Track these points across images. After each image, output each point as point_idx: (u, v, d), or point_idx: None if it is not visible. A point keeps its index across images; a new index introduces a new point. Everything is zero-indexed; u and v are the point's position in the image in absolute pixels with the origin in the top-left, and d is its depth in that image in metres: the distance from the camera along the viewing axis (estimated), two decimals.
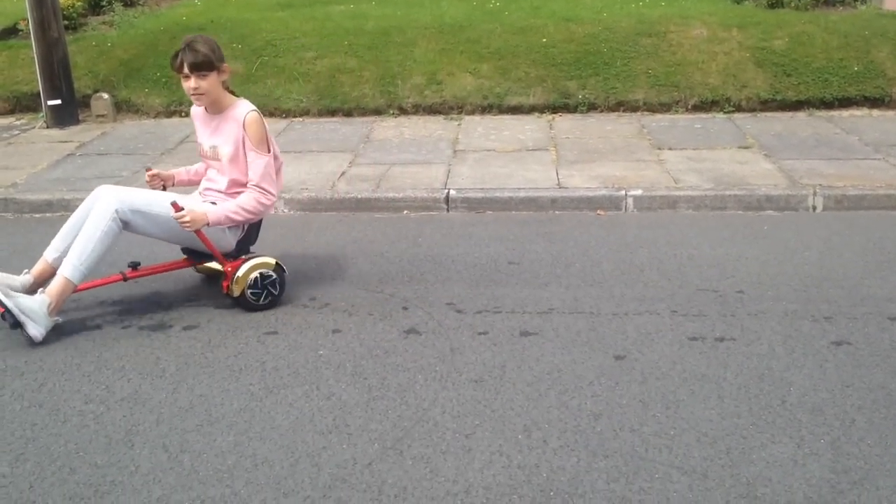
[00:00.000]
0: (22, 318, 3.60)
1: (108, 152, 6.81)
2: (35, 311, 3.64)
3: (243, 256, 4.07)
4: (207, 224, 3.83)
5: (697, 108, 7.50)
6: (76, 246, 3.74)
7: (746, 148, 6.44)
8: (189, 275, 4.54)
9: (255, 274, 3.98)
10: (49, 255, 3.91)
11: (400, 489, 2.67)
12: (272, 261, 4.05)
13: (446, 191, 5.61)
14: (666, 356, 3.51)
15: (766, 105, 7.46)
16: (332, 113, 7.71)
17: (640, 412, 3.09)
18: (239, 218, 3.92)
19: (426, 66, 7.95)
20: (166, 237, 3.98)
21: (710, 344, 3.61)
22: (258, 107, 7.72)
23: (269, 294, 4.03)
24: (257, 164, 3.89)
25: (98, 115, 7.73)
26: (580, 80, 7.67)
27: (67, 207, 5.74)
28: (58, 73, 7.44)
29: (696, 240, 4.89)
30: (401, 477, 2.73)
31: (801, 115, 7.33)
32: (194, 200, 4.02)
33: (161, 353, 3.66)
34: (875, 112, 7.37)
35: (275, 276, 4.04)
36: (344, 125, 7.43)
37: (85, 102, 7.80)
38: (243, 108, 3.94)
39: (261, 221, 4.15)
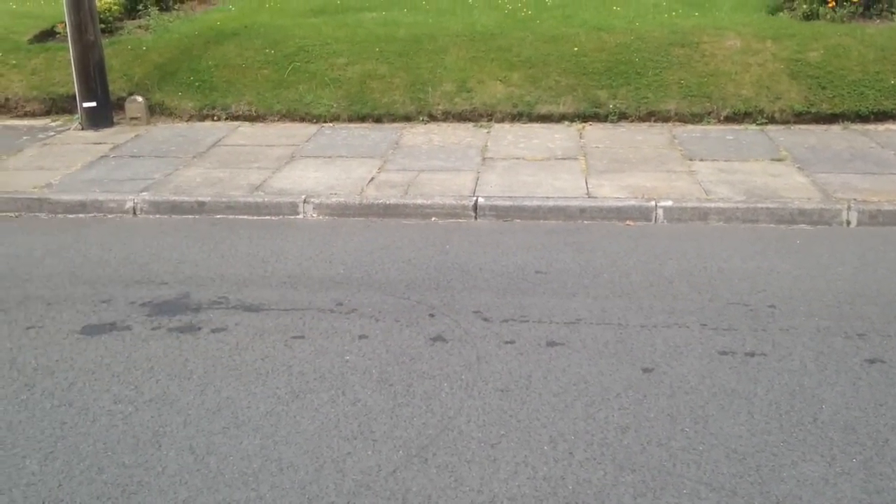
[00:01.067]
0: None
1: (141, 154, 6.89)
2: None
3: None
4: None
5: (730, 119, 7.43)
6: None
7: (779, 160, 6.36)
8: (220, 276, 4.58)
9: None
10: None
11: (424, 497, 2.66)
12: None
13: (475, 198, 5.60)
14: (695, 370, 3.47)
15: (800, 117, 7.36)
16: (362, 119, 7.74)
17: (668, 426, 3.05)
18: None
19: (457, 73, 7.95)
20: None
21: (740, 359, 3.57)
22: (289, 112, 7.74)
23: None
24: None
25: (132, 118, 7.83)
26: (611, 90, 7.63)
27: (101, 208, 5.81)
28: (93, 76, 7.55)
29: (726, 253, 4.84)
30: (425, 485, 2.72)
31: (835, 129, 7.22)
32: None
33: (189, 355, 3.68)
34: None
35: None
36: (373, 131, 7.45)
37: (119, 105, 7.90)
38: None
39: None
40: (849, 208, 5.36)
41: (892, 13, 8.97)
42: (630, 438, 2.97)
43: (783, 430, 3.02)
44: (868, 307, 4.07)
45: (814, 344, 3.69)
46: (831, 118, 7.33)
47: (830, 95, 7.39)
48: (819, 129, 7.22)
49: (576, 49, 8.04)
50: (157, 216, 5.76)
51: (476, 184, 5.93)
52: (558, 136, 7.15)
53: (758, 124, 7.34)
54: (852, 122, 7.30)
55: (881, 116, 7.31)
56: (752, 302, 4.14)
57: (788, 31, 8.21)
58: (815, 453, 2.87)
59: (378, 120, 7.72)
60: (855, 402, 3.20)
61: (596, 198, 5.59)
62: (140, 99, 7.86)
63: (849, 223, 5.35)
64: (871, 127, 7.22)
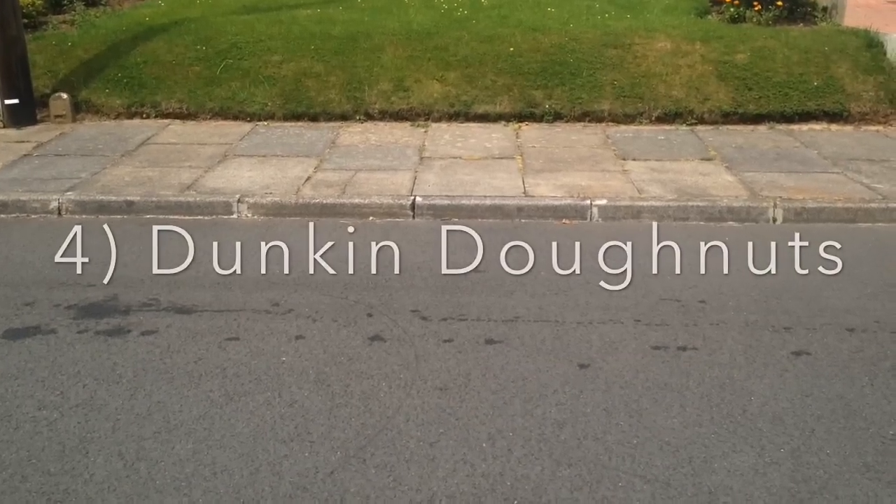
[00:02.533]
0: None
1: (67, 153, 6.67)
2: None
3: None
4: None
5: (661, 119, 7.58)
6: None
7: (709, 160, 6.52)
8: (148, 278, 4.46)
9: None
10: None
11: (363, 498, 2.63)
12: None
13: (412, 197, 5.59)
14: (629, 365, 3.52)
15: (728, 118, 7.56)
16: (297, 117, 7.64)
17: (604, 421, 3.09)
18: None
19: (393, 72, 7.92)
20: None
21: (672, 353, 3.64)
22: (221, 110, 7.66)
23: None
24: None
25: (56, 116, 7.57)
26: (546, 90, 7.71)
27: (23, 209, 5.60)
28: (16, 72, 7.27)
29: (658, 250, 4.93)
30: (363, 486, 2.70)
31: (761, 129, 7.44)
32: None
33: (118, 358, 3.58)
34: (833, 126, 7.51)
35: None
36: (309, 130, 7.37)
37: (43, 102, 7.63)
38: None
39: None
40: (774, 206, 5.52)
41: (815, 16, 9.30)
42: (567, 433, 3.00)
43: (714, 422, 3.09)
44: (793, 302, 4.19)
45: (742, 338, 3.78)
46: (758, 118, 7.55)
47: (757, 96, 7.60)
48: (746, 129, 7.42)
49: (511, 49, 8.10)
50: (84, 216, 5.58)
51: (414, 183, 5.91)
52: (495, 136, 7.18)
53: (688, 124, 7.51)
54: (778, 122, 7.53)
55: (805, 117, 7.55)
56: (683, 298, 4.23)
57: (716, 33, 8.43)
58: (745, 444, 2.94)
59: (314, 119, 7.63)
60: (782, 393, 3.30)
61: (533, 197, 5.64)
62: (65, 96, 7.60)
63: (775, 220, 5.51)
64: (795, 127, 7.46)
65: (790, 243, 5.07)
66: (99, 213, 5.59)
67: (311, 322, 3.94)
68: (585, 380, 3.39)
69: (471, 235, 5.15)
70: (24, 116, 7.40)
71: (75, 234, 5.03)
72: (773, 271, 4.61)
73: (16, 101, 7.32)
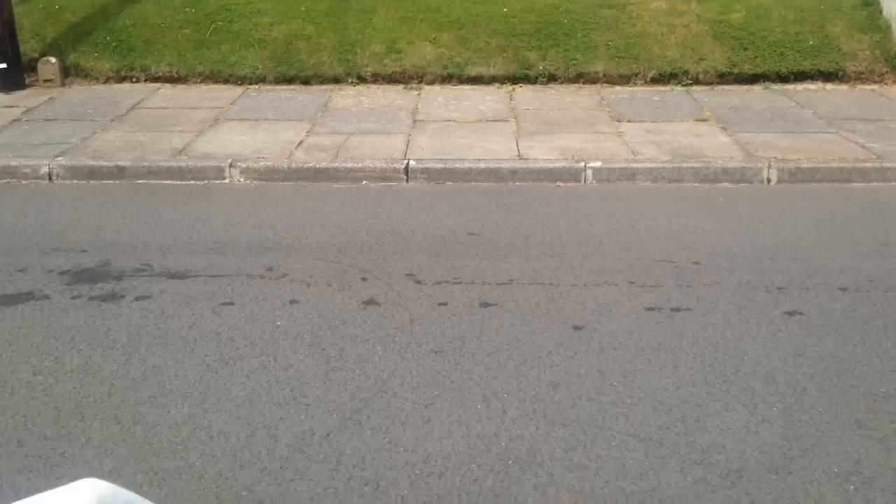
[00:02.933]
0: None
1: (57, 118, 6.60)
2: None
3: None
4: None
5: (656, 80, 7.52)
6: None
7: (703, 121, 6.49)
8: (141, 244, 4.44)
9: None
10: None
11: (358, 459, 2.65)
12: None
13: (406, 161, 5.56)
14: (623, 326, 3.53)
15: (723, 78, 7.50)
16: (288, 80, 7.56)
17: (598, 382, 3.11)
18: None
19: (385, 34, 7.83)
20: None
21: (666, 314, 3.65)
22: (212, 73, 7.57)
23: None
24: None
25: (45, 80, 7.48)
26: (540, 51, 7.64)
27: (14, 174, 5.56)
28: (3, 36, 7.16)
29: (653, 211, 4.92)
30: (359, 447, 2.72)
31: (756, 89, 7.39)
32: None
33: (112, 323, 3.57)
34: (829, 86, 7.46)
35: None
36: (301, 93, 7.30)
37: (31, 67, 7.53)
38: None
39: None
40: (769, 167, 5.51)
41: None
42: (561, 394, 3.02)
43: (707, 381, 3.11)
44: (787, 262, 4.20)
45: (736, 298, 3.80)
46: (753, 79, 7.50)
47: (752, 56, 7.54)
48: (741, 89, 7.38)
49: (505, 10, 8.00)
50: (75, 182, 5.54)
51: (407, 146, 5.88)
52: (489, 98, 7.13)
53: (683, 85, 7.46)
54: (773, 82, 7.48)
55: (800, 76, 7.50)
56: (677, 259, 4.23)
57: None
58: (737, 403, 2.96)
59: (306, 82, 7.56)
60: (775, 353, 3.31)
61: (527, 159, 5.61)
62: (54, 60, 7.50)
63: (769, 181, 5.50)
64: (790, 87, 7.41)
65: (784, 204, 5.07)
66: (90, 178, 5.55)
67: (305, 286, 3.93)
68: (580, 341, 3.41)
69: (465, 198, 5.13)
70: (12, 81, 7.32)
71: (67, 200, 5.01)
72: (768, 232, 4.61)
73: (3, 65, 7.22)
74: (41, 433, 2.80)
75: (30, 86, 7.46)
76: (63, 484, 2.45)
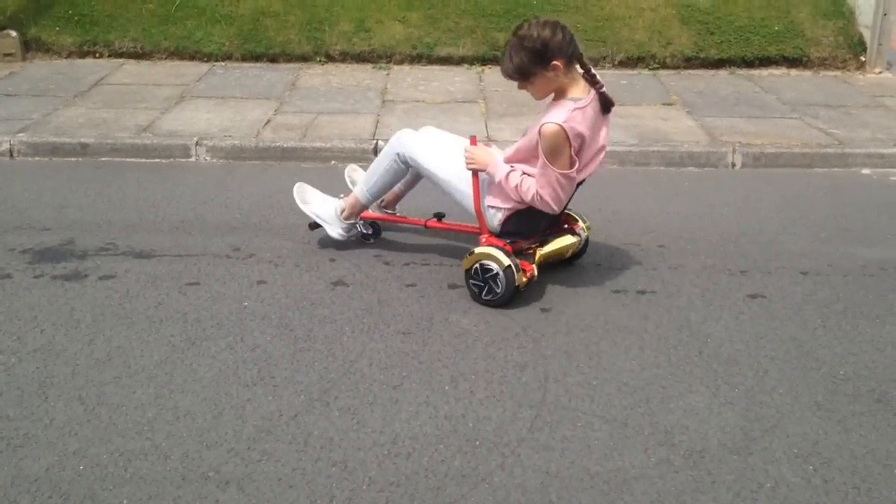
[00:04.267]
0: (318, 220, 4.04)
1: (17, 93, 6.46)
2: (329, 214, 4.01)
3: (504, 242, 3.60)
4: (485, 170, 3.55)
5: (624, 64, 7.56)
6: (366, 174, 3.99)
7: (670, 105, 6.54)
8: (107, 222, 4.38)
9: (478, 264, 3.55)
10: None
11: (326, 440, 2.66)
12: (505, 261, 3.49)
13: (375, 141, 5.53)
14: (590, 308, 3.57)
15: (690, 63, 7.56)
16: (256, 58, 7.47)
17: (564, 363, 3.14)
18: (509, 188, 3.47)
19: (354, 12, 7.76)
20: (440, 187, 3.85)
21: (632, 296, 3.69)
22: (177, 50, 7.43)
23: (490, 290, 3.54)
24: (544, 173, 3.38)
25: (5, 54, 7.30)
26: (510, 32, 7.61)
27: None
28: None
29: (619, 195, 4.96)
30: (327, 428, 2.72)
31: (722, 74, 7.47)
32: (496, 152, 3.67)
33: (76, 303, 3.53)
34: (793, 72, 7.56)
35: (498, 271, 3.49)
36: (268, 71, 7.21)
37: None
38: (550, 117, 3.35)
39: (532, 221, 3.63)
40: (734, 151, 5.58)
41: None
42: (528, 376, 3.05)
43: (671, 363, 3.16)
44: (750, 245, 4.27)
45: (700, 281, 3.85)
46: (719, 63, 7.57)
47: (718, 41, 7.61)
48: (707, 73, 7.45)
49: None
50: (37, 159, 5.44)
51: (376, 127, 5.85)
52: (458, 80, 7.11)
53: (650, 69, 7.51)
54: (738, 67, 7.57)
55: (765, 62, 7.60)
56: (642, 242, 4.28)
57: None
58: (700, 385, 3.02)
59: (273, 60, 7.47)
60: (738, 335, 3.38)
61: (496, 141, 5.61)
62: (14, 34, 7.32)
63: (734, 165, 5.58)
64: (755, 72, 7.50)
65: (748, 188, 5.15)
66: (52, 155, 5.45)
67: (273, 267, 3.91)
68: (547, 323, 3.44)
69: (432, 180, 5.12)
70: None
71: (29, 177, 4.91)
72: (731, 216, 4.68)
73: None
74: (3, 413, 2.76)
75: None
76: (27, 465, 2.46)
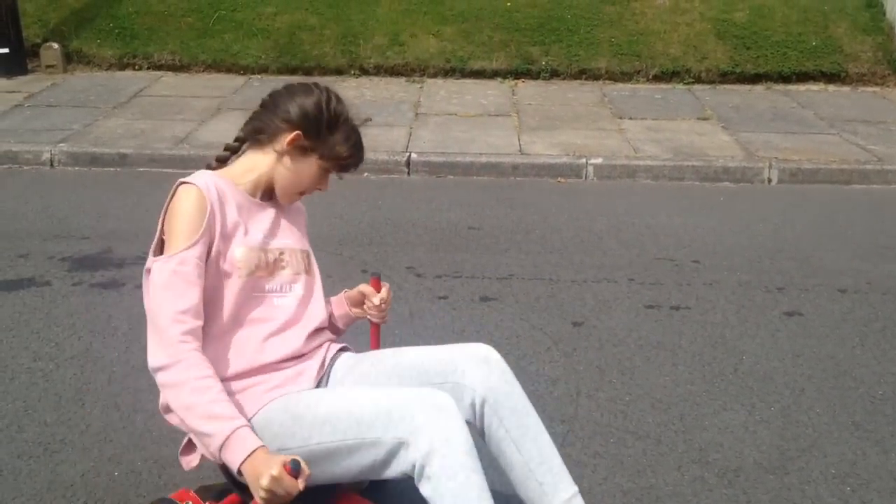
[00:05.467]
0: None
1: (58, 104, 6.59)
2: None
3: None
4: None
5: (658, 78, 7.53)
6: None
7: (705, 119, 6.49)
8: (144, 231, 4.44)
9: None
10: None
11: None
12: None
13: (408, 154, 5.56)
14: (623, 323, 3.54)
15: (726, 77, 7.51)
16: (291, 71, 7.55)
17: (597, 378, 3.12)
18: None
19: (389, 26, 7.82)
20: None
21: (665, 312, 3.66)
22: (215, 62, 7.49)
23: None
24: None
25: (48, 66, 7.47)
26: (543, 47, 7.63)
27: (16, 160, 5.56)
28: (5, 21, 7.15)
29: (654, 209, 4.93)
30: None
31: (758, 89, 7.40)
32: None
33: (113, 311, 3.58)
34: (831, 87, 7.47)
35: None
36: None
37: (34, 52, 7.52)
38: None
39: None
40: (770, 166, 5.52)
41: None
42: (560, 390, 3.03)
43: (705, 380, 3.12)
44: (787, 262, 4.21)
45: (735, 297, 3.81)
46: (755, 78, 7.51)
47: (755, 56, 7.55)
48: (743, 88, 7.38)
49: (508, 4, 8.00)
50: (77, 168, 5.54)
51: (409, 139, 5.88)
52: (491, 93, 7.13)
53: (685, 83, 7.46)
54: (775, 82, 7.49)
55: (802, 77, 7.52)
56: (677, 257, 4.24)
57: None
58: (735, 402, 2.97)
59: (308, 73, 7.55)
60: (774, 352, 3.33)
61: (528, 155, 5.62)
62: (56, 46, 7.49)
63: (770, 181, 5.51)
64: (792, 87, 7.43)
65: (784, 204, 5.08)
66: (92, 165, 5.55)
67: None
68: (579, 337, 3.41)
69: (466, 192, 5.14)
70: (14, 66, 7.31)
71: (69, 187, 5.00)
72: (767, 232, 4.62)
73: (6, 50, 7.22)
74: (41, 419, 2.80)
75: (32, 71, 7.45)
76: (63, 470, 2.47)
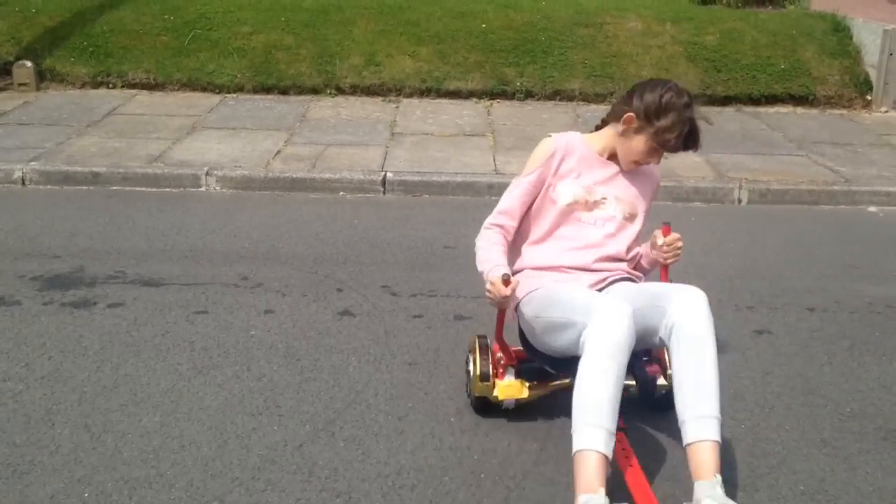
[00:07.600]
0: None
1: (31, 122, 6.54)
2: None
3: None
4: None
5: None
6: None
7: None
8: (116, 250, 4.41)
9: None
10: None
11: (331, 471, 2.66)
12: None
13: (383, 173, 5.58)
14: None
15: (696, 99, 7.59)
16: (267, 90, 7.56)
17: (570, 396, 3.12)
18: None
19: (365, 46, 7.87)
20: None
21: None
22: (190, 81, 7.51)
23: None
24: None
25: (20, 84, 7.41)
26: (518, 68, 7.71)
27: None
28: None
29: None
30: (332, 458, 2.72)
31: (729, 111, 7.52)
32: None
33: (84, 330, 3.55)
34: (799, 109, 7.62)
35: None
36: (279, 103, 7.30)
37: (6, 70, 7.47)
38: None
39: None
40: (740, 187, 5.61)
41: (784, 0, 9.39)
42: (534, 409, 3.04)
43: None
44: (756, 281, 4.27)
45: None
46: (725, 100, 7.64)
47: (725, 78, 7.68)
48: (714, 110, 7.48)
49: (484, 26, 8.08)
50: (49, 187, 5.50)
51: (385, 158, 5.90)
52: (466, 113, 7.18)
53: None
54: (745, 104, 7.63)
55: (771, 99, 7.66)
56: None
57: (687, 14, 8.49)
58: None
59: (284, 92, 7.57)
60: (744, 371, 3.37)
61: (503, 174, 5.66)
62: (29, 64, 7.44)
63: (740, 201, 5.60)
64: (761, 109, 7.56)
65: (754, 224, 5.16)
66: (64, 183, 5.51)
67: (280, 296, 3.93)
68: None
69: (442, 211, 5.16)
70: None
71: (40, 205, 4.96)
72: (738, 251, 4.69)
73: None
74: (10, 440, 2.77)
75: (4, 89, 7.39)
76: (33, 491, 2.45)
